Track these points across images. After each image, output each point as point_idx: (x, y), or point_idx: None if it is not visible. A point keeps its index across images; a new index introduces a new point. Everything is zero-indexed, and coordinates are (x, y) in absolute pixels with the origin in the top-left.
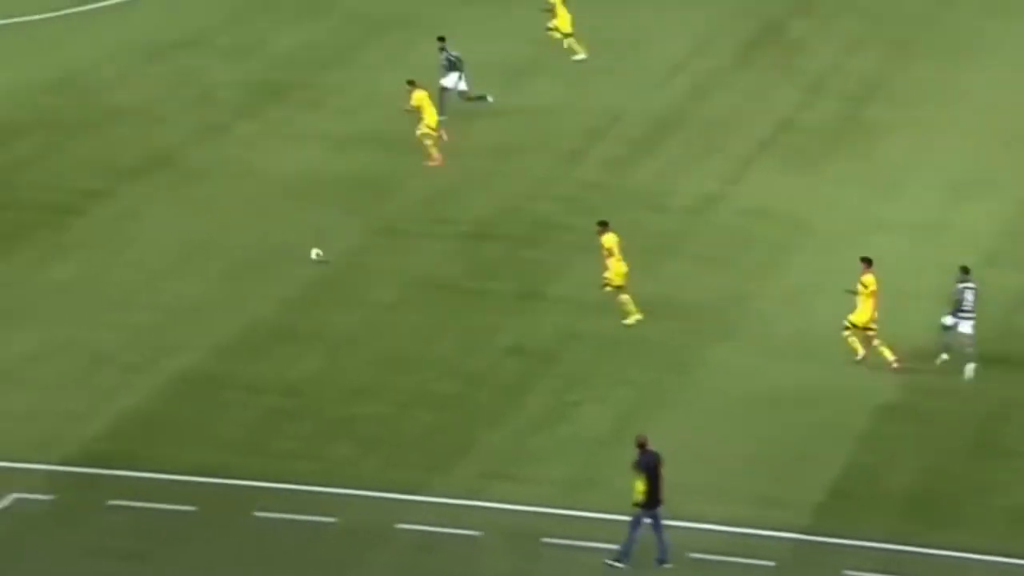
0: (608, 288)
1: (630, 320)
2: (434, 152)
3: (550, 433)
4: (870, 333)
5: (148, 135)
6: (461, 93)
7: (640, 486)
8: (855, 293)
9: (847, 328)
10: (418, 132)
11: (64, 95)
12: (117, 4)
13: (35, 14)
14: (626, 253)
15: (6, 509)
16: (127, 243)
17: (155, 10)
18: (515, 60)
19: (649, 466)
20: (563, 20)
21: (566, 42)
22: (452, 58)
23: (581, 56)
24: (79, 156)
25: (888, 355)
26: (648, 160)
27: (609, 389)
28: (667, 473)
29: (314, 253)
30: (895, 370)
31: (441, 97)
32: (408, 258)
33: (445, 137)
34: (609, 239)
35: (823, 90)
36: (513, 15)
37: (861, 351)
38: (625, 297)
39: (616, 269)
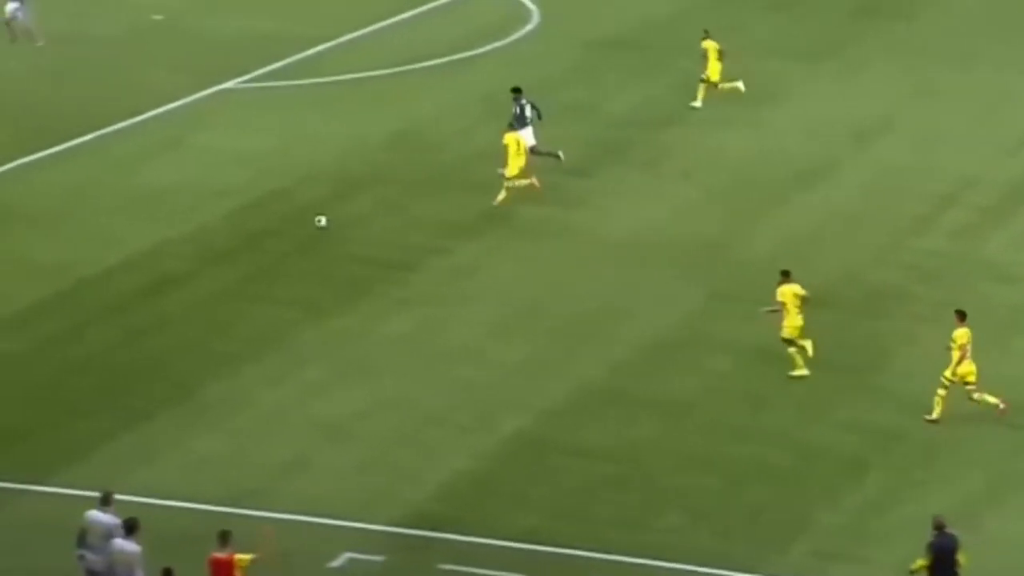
0: (786, 338)
1: (796, 372)
2: (502, 196)
3: (892, 513)
4: (969, 387)
5: (485, 192)
6: (531, 148)
7: (920, 562)
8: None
9: (943, 386)
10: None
11: (402, 151)
12: (457, 60)
13: (374, 70)
14: (975, 327)
15: (340, 568)
16: (461, 300)
17: (493, 65)
18: (863, 121)
19: (943, 549)
20: (714, 70)
21: (700, 87)
22: (523, 110)
23: (698, 104)
24: (416, 212)
25: (991, 400)
26: (1000, 229)
27: (955, 469)
28: (1013, 564)
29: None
30: (1002, 412)
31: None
32: (745, 324)
33: (537, 184)
34: (787, 291)
35: None
36: (862, 75)
37: (938, 412)
38: (793, 350)
39: (791, 322)
